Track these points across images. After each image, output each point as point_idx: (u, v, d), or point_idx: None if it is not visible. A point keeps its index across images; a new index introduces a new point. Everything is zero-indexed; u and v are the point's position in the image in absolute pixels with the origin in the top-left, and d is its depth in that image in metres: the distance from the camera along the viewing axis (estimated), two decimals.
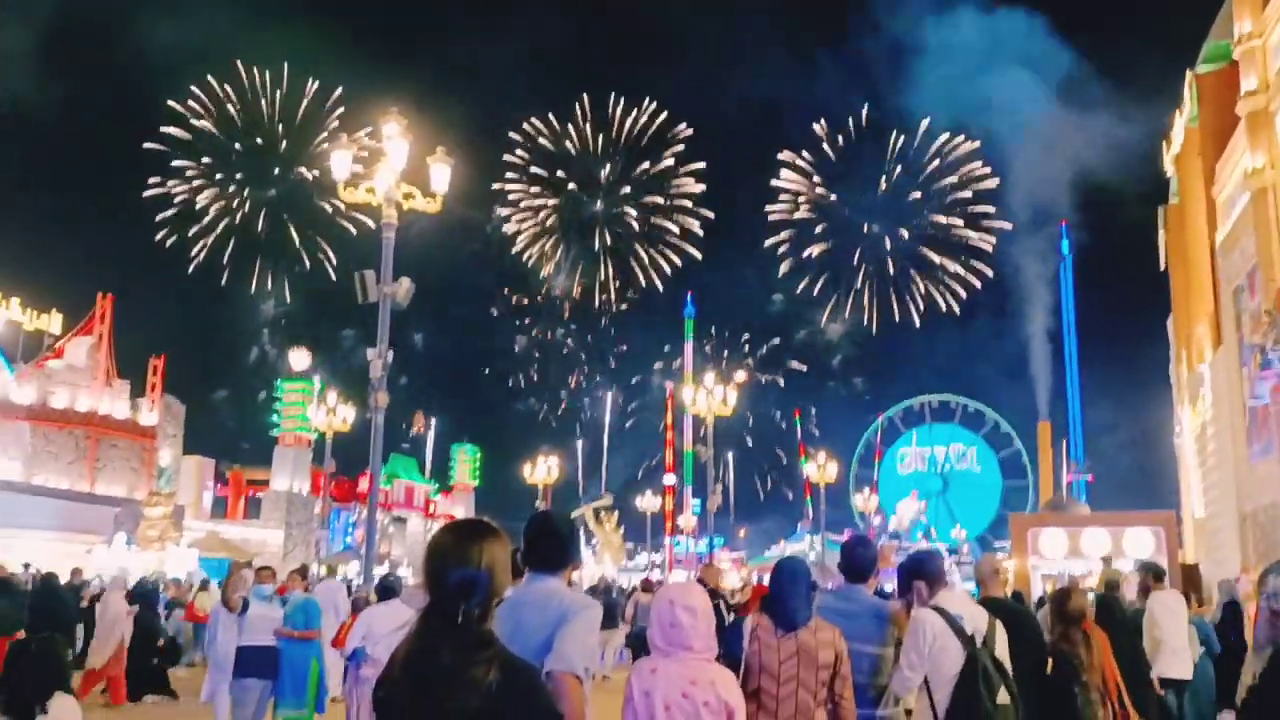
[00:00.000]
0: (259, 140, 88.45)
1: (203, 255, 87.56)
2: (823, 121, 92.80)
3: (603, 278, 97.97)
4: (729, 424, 51.89)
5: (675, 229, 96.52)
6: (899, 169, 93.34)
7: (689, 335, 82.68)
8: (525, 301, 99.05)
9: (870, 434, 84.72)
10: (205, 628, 14.51)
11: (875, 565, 5.69)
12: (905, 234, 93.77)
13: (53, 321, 42.64)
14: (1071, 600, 5.91)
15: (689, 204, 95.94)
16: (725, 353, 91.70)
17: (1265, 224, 21.88)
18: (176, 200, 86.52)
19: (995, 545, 63.69)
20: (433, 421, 71.71)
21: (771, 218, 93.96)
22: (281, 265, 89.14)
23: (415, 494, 62.21)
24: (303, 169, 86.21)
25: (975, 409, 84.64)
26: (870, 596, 5.55)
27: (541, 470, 51.77)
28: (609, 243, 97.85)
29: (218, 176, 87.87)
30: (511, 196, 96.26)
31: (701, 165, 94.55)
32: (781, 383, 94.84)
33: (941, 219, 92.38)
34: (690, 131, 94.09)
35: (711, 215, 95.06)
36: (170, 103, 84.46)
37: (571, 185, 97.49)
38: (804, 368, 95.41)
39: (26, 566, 20.74)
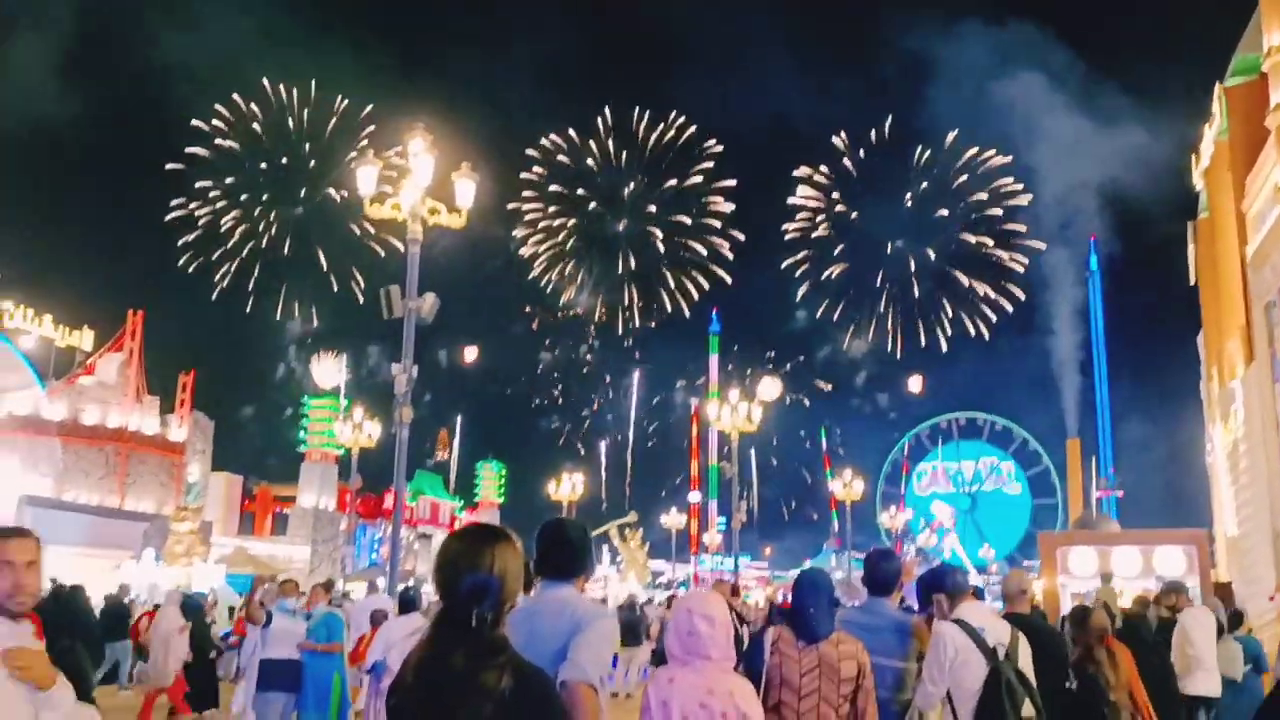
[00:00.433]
0: (284, 160, 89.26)
1: (227, 280, 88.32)
2: (843, 135, 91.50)
3: (626, 301, 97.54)
4: (754, 441, 51.80)
5: (703, 250, 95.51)
6: (924, 184, 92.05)
7: (714, 349, 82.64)
8: (549, 319, 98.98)
9: (896, 452, 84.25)
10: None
11: (899, 578, 5.64)
12: (932, 254, 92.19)
13: (84, 338, 43.21)
14: (1092, 617, 5.82)
15: (717, 224, 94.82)
16: (749, 371, 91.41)
17: None
18: (201, 223, 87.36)
19: (1024, 564, 63.07)
20: (455, 443, 72.02)
21: (788, 236, 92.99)
22: (308, 284, 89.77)
23: (440, 510, 62.33)
24: (330, 189, 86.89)
25: (1003, 426, 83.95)
26: (893, 610, 5.49)
27: (566, 487, 51.86)
28: (633, 266, 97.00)
29: (243, 197, 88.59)
30: (529, 217, 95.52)
31: (732, 183, 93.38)
32: (806, 402, 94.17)
33: (971, 238, 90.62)
34: (720, 148, 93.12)
35: (742, 237, 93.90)
36: (195, 122, 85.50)
37: (593, 204, 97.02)
38: (828, 387, 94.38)
39: (53, 581, 20.87)
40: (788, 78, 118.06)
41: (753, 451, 66.14)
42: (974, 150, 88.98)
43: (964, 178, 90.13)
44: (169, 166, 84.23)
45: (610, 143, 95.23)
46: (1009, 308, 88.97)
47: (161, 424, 44.00)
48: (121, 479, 41.55)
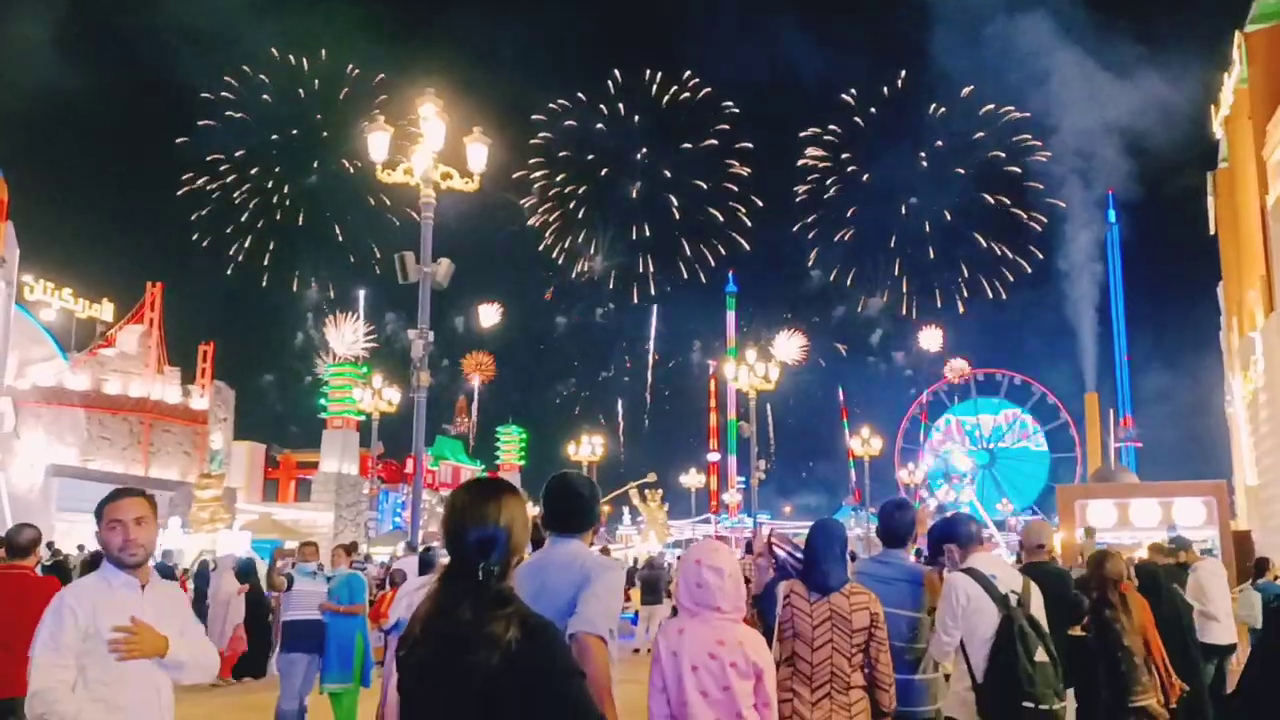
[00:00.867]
0: (295, 131, 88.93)
1: (242, 255, 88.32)
2: (853, 92, 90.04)
3: (640, 268, 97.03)
4: (772, 401, 51.80)
5: (720, 216, 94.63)
6: (939, 142, 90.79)
7: (731, 307, 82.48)
8: (563, 284, 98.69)
9: (915, 409, 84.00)
10: None
11: (913, 530, 5.65)
12: (948, 215, 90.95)
13: (104, 310, 43.44)
14: (1109, 563, 5.83)
15: (734, 188, 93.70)
16: (764, 334, 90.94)
17: None
18: (213, 196, 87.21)
19: (1041, 519, 62.96)
20: (474, 408, 72.27)
21: (799, 199, 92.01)
22: (324, 254, 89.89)
23: (461, 475, 62.74)
24: (344, 161, 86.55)
25: (1021, 382, 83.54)
26: (907, 560, 5.51)
27: (586, 449, 52.15)
28: (647, 233, 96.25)
29: (253, 170, 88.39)
30: (539, 185, 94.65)
31: (749, 145, 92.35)
32: (823, 362, 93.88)
33: (989, 197, 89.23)
34: (736, 110, 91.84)
35: (760, 204, 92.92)
36: (204, 94, 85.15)
37: (605, 170, 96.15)
38: (844, 349, 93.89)
39: (81, 549, 21.20)
40: (796, 34, 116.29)
41: (769, 407, 66.12)
42: (990, 106, 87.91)
43: (980, 133, 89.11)
44: (179, 140, 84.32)
45: (621, 106, 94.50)
46: (1027, 268, 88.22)
47: (183, 394, 44.34)
48: (145, 448, 41.97)
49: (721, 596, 3.68)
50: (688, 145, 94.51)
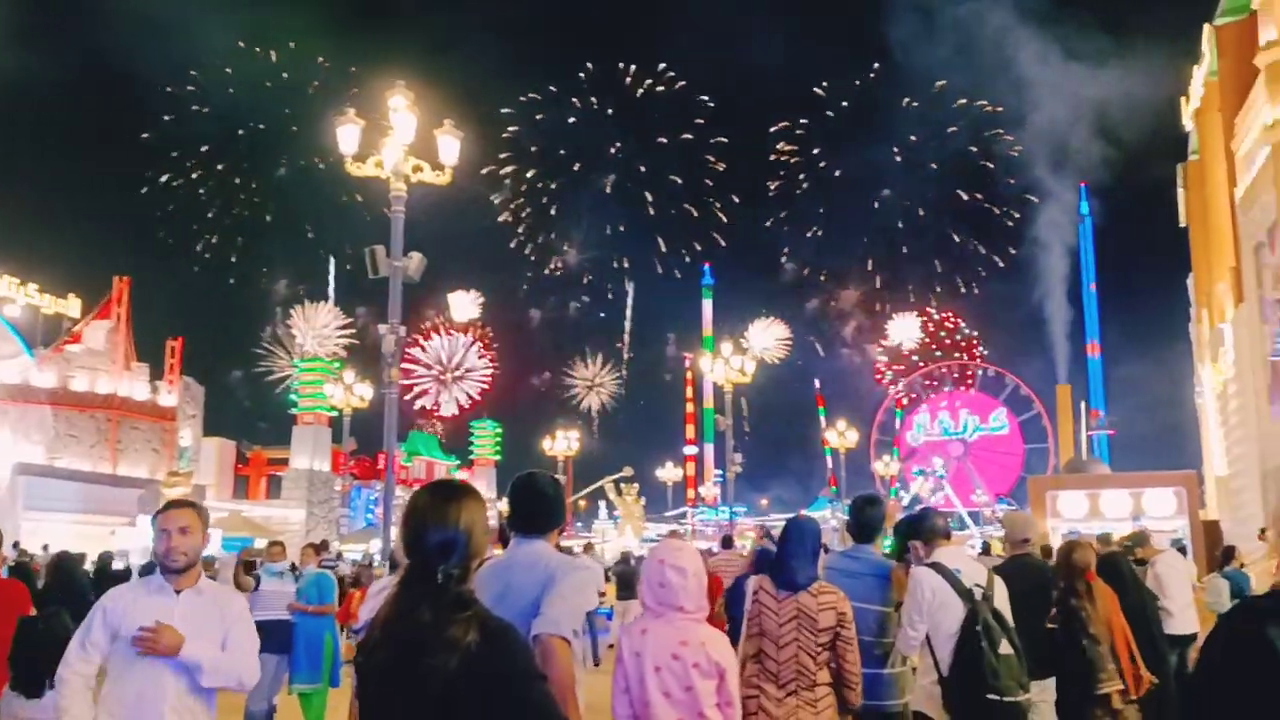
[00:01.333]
0: (261, 126, 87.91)
1: (210, 250, 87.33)
2: (824, 85, 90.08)
3: (614, 264, 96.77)
4: (747, 393, 51.88)
5: (694, 211, 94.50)
6: (912, 138, 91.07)
7: (707, 296, 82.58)
8: (536, 278, 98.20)
9: (889, 400, 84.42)
10: None
11: (883, 524, 5.68)
12: (921, 211, 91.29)
13: (71, 306, 42.88)
14: (1076, 552, 5.87)
15: (710, 183, 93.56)
16: (739, 326, 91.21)
17: None
18: (180, 191, 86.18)
19: (1015, 509, 63.46)
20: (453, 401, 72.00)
21: (771, 194, 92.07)
22: (292, 249, 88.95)
23: (436, 470, 62.46)
24: (315, 158, 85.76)
25: (994, 373, 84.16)
26: (876, 556, 5.54)
27: (562, 444, 52.10)
28: (622, 229, 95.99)
29: (219, 166, 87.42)
30: (510, 180, 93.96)
31: (723, 139, 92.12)
32: (798, 359, 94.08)
33: (963, 195, 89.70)
34: (711, 104, 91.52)
35: (736, 199, 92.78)
36: (168, 89, 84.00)
37: (577, 165, 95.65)
38: (819, 344, 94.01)
39: (45, 548, 20.95)
40: (767, 28, 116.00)
41: (744, 401, 66.15)
42: (962, 100, 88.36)
43: (953, 127, 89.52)
44: (143, 135, 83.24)
45: (593, 99, 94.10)
46: (999, 262, 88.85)
47: (151, 390, 43.89)
48: (113, 445, 41.50)
49: (685, 596, 3.65)
50: (662, 140, 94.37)
